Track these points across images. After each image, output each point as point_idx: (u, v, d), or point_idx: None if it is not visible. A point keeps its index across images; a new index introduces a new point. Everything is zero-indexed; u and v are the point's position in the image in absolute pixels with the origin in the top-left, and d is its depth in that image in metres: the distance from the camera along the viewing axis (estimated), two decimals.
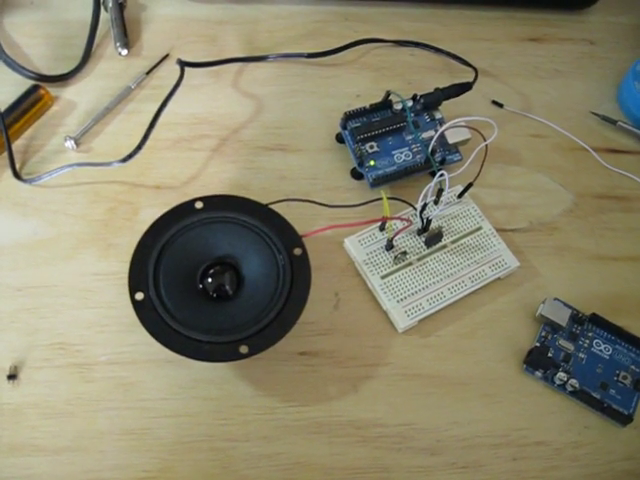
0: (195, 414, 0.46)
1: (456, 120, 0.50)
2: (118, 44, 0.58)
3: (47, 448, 0.44)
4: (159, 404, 0.46)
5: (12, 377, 0.46)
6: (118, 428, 0.45)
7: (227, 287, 0.46)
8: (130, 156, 0.51)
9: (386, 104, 0.54)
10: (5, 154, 0.52)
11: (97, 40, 0.59)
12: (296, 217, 0.49)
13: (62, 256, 0.50)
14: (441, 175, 0.47)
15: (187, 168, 0.54)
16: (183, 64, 0.55)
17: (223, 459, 0.44)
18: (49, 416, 0.45)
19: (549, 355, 0.48)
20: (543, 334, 0.49)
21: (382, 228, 0.51)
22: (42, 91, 0.55)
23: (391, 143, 0.54)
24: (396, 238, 0.50)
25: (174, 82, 0.54)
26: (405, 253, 0.50)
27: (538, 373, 0.48)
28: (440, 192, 0.50)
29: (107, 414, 0.45)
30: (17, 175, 0.52)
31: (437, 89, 0.55)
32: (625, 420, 0.47)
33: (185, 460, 0.44)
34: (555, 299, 0.50)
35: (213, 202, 0.47)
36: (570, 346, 0.49)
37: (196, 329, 0.43)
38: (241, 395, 0.46)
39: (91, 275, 0.49)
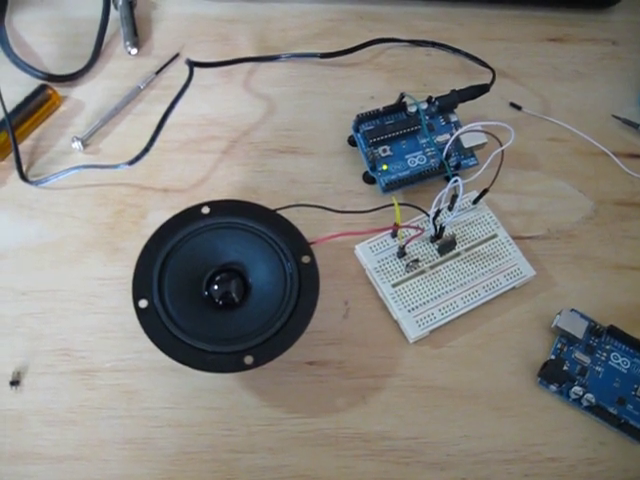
0: (198, 424, 0.45)
1: (472, 124, 0.48)
2: (128, 43, 0.58)
3: (49, 456, 0.43)
4: (162, 413, 0.45)
5: (15, 383, 0.45)
6: (120, 437, 0.44)
7: (233, 294, 0.45)
8: (137, 158, 0.50)
9: (400, 106, 0.53)
10: (12, 155, 0.52)
11: (106, 39, 0.59)
12: (306, 222, 0.48)
13: (68, 260, 0.49)
14: (455, 181, 0.46)
15: (196, 171, 0.53)
16: (192, 64, 0.54)
17: (226, 471, 0.44)
18: (51, 423, 0.44)
19: (564, 368, 0.47)
20: (559, 346, 0.48)
21: (394, 235, 0.50)
22: (50, 91, 0.54)
23: (405, 147, 0.52)
24: (408, 245, 0.49)
25: (184, 82, 0.53)
26: (417, 261, 0.49)
27: (553, 387, 0.47)
28: (454, 198, 0.49)
29: (110, 422, 0.45)
30: (23, 177, 0.51)
31: (453, 91, 0.53)
32: None
33: (187, 471, 0.43)
34: (572, 310, 0.49)
35: (220, 207, 0.46)
36: (586, 359, 0.48)
37: (200, 338, 0.42)
38: (246, 405, 0.45)
39: (96, 279, 0.49)
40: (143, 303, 0.43)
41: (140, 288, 0.43)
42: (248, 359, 0.41)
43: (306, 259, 0.45)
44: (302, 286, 0.44)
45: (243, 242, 0.45)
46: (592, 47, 0.63)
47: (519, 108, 0.58)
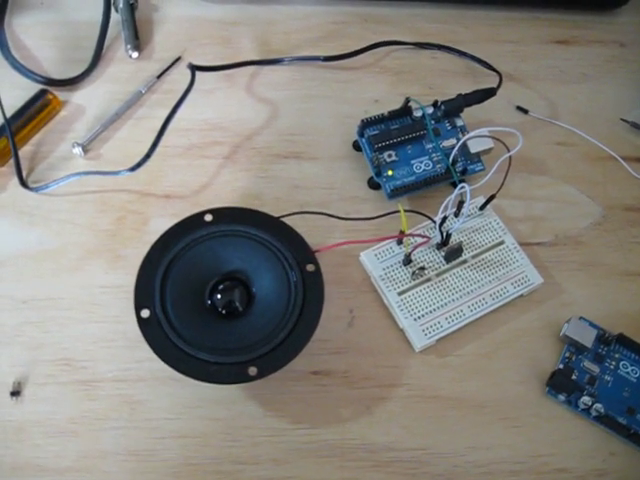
0: (202, 435, 0.44)
1: (479, 130, 0.48)
2: (129, 46, 0.57)
3: (50, 468, 0.43)
4: (165, 424, 0.44)
5: (16, 393, 0.44)
6: (123, 448, 0.43)
7: (237, 303, 0.44)
8: (139, 165, 0.49)
9: (405, 111, 0.52)
10: (12, 161, 0.51)
11: (107, 42, 0.58)
12: (310, 229, 0.48)
13: (68, 267, 0.49)
14: (462, 187, 0.45)
15: (198, 176, 0.52)
16: (194, 68, 0.53)
17: None
18: (52, 435, 0.44)
19: (573, 377, 0.46)
20: (567, 355, 0.47)
21: (400, 242, 0.49)
22: (50, 96, 0.53)
23: (410, 152, 0.52)
24: (414, 252, 0.48)
25: (186, 86, 0.53)
26: (423, 268, 0.48)
27: (561, 396, 0.46)
28: (461, 204, 0.48)
29: (111, 433, 0.44)
30: (24, 183, 0.51)
31: (459, 95, 0.52)
32: None
33: None
34: (580, 318, 0.48)
35: (223, 214, 0.45)
36: (595, 368, 0.47)
37: (203, 349, 0.41)
38: (250, 416, 0.45)
39: (98, 287, 0.48)
40: (145, 313, 0.42)
41: (142, 297, 0.42)
42: (252, 370, 0.41)
43: (311, 267, 0.44)
44: (307, 295, 0.43)
45: (246, 250, 0.45)
46: (599, 49, 0.62)
47: (526, 112, 0.57)
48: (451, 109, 0.52)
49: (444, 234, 0.48)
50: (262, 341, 0.42)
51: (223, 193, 0.52)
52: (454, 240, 0.49)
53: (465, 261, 0.49)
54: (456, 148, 0.48)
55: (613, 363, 0.47)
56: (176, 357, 0.41)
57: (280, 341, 0.42)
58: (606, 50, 0.62)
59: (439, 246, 0.49)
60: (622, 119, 0.57)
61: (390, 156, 0.51)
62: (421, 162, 0.51)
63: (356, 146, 0.54)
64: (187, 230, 0.44)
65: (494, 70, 0.57)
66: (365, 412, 0.45)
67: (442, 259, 0.49)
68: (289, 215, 0.47)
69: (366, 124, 0.51)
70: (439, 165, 0.51)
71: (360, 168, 0.53)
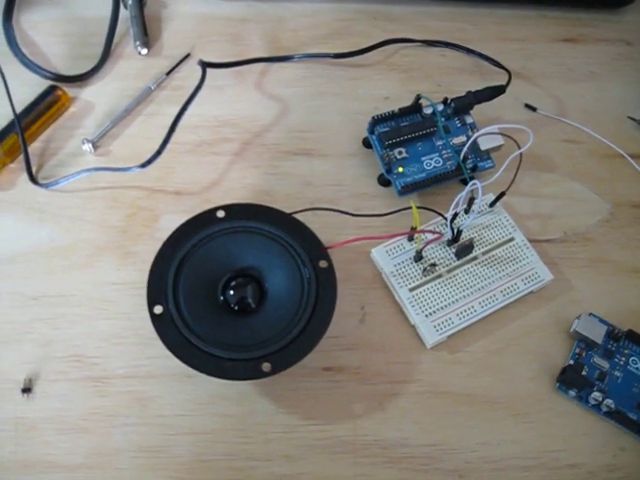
0: (214, 432, 0.44)
1: (490, 127, 0.48)
2: (138, 43, 0.57)
3: (61, 465, 0.43)
4: (177, 420, 0.44)
5: (27, 390, 0.44)
6: (134, 445, 0.43)
7: (249, 300, 0.44)
8: (149, 161, 0.49)
9: (416, 108, 0.52)
10: (21, 157, 0.51)
11: (116, 39, 0.58)
12: (322, 226, 0.48)
13: (79, 264, 0.49)
14: (473, 184, 0.45)
15: (208, 173, 0.52)
16: (205, 65, 0.53)
17: (243, 479, 0.43)
18: (63, 432, 0.43)
19: (583, 373, 0.46)
20: (577, 351, 0.47)
21: (411, 238, 0.49)
22: (59, 92, 0.53)
23: (420, 149, 0.52)
24: (425, 249, 0.48)
25: (195, 83, 0.53)
26: (434, 265, 0.48)
27: (572, 392, 0.46)
28: (471, 201, 0.48)
29: (123, 430, 0.44)
30: (33, 179, 0.50)
31: (469, 92, 0.53)
32: None
33: None
34: (590, 314, 0.48)
35: (235, 211, 0.45)
36: (605, 364, 0.47)
37: (217, 345, 0.41)
38: (262, 412, 0.45)
39: (109, 284, 0.48)
40: (158, 309, 0.42)
41: (155, 294, 0.42)
42: (266, 366, 0.41)
43: (323, 264, 0.44)
44: (319, 291, 0.43)
45: (259, 246, 0.45)
46: (606, 47, 0.62)
47: (534, 109, 0.57)
48: (461, 106, 0.52)
49: (455, 231, 0.48)
50: (275, 337, 0.42)
51: (233, 190, 0.52)
52: (465, 237, 0.49)
53: (476, 258, 0.49)
54: (467, 145, 0.49)
55: (623, 359, 0.47)
56: (190, 353, 0.41)
57: (293, 337, 0.42)
58: (613, 48, 0.62)
59: (450, 243, 0.49)
60: (629, 117, 0.58)
61: (400, 153, 0.51)
62: (431, 159, 0.51)
63: (366, 143, 0.54)
64: (199, 226, 0.44)
65: (502, 68, 0.57)
66: (377, 408, 0.45)
67: (453, 256, 0.49)
68: (300, 212, 0.47)
69: (376, 121, 0.52)
70: (449, 162, 0.51)
71: (370, 165, 0.53)
